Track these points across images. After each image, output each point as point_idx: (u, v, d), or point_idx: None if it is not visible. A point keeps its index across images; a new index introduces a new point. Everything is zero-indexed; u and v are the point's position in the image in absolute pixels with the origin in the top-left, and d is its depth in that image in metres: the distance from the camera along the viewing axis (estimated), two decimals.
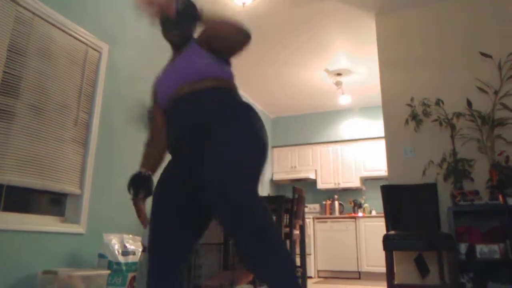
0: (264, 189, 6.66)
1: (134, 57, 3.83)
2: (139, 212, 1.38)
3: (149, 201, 1.42)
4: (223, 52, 1.46)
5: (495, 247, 2.90)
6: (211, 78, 1.41)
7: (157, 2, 1.36)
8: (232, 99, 1.39)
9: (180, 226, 1.33)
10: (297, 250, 4.48)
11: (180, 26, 1.50)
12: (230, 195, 1.09)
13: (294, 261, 1.13)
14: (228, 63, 1.52)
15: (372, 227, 5.80)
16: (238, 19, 1.44)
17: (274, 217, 4.50)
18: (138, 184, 1.41)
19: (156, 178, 1.45)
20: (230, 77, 1.47)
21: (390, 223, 3.31)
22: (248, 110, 1.35)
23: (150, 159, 1.53)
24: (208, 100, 1.35)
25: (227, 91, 1.41)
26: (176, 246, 1.32)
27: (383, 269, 5.14)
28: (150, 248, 1.33)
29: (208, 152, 1.22)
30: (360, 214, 6.13)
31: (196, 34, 1.58)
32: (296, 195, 3.69)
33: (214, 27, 1.45)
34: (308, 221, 6.12)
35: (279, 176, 6.93)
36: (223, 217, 1.11)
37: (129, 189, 1.41)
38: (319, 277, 6.01)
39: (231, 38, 1.42)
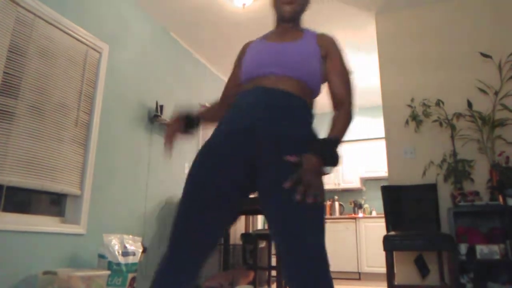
0: None
1: (134, 57, 3.83)
2: (169, 130, 1.32)
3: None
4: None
5: (495, 247, 2.90)
6: (310, 92, 1.32)
7: None
8: (315, 131, 1.28)
9: (213, 216, 1.19)
10: None
11: None
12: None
13: None
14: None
15: (372, 228, 5.80)
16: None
17: None
18: (188, 115, 1.35)
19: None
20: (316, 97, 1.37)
21: (390, 223, 3.30)
22: None
23: (210, 111, 1.46)
24: (304, 122, 1.25)
25: (313, 116, 1.32)
26: (203, 238, 1.18)
27: (383, 270, 5.14)
28: (175, 235, 1.18)
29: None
30: (360, 214, 6.13)
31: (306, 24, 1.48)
32: None
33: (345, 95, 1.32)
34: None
35: None
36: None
37: (177, 111, 1.34)
38: None
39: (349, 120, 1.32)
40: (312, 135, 1.25)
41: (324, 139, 1.19)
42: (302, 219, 1.09)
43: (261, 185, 1.19)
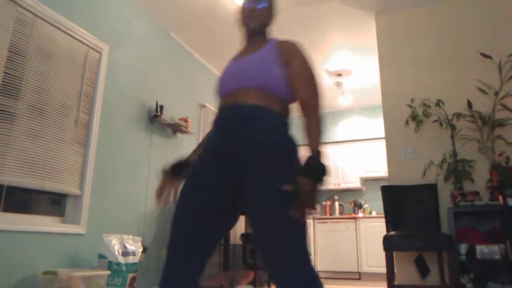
0: None
1: (135, 58, 3.83)
2: (162, 189, 1.35)
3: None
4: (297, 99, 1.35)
5: (495, 247, 2.90)
6: (277, 99, 1.31)
7: None
8: (290, 136, 1.28)
9: (208, 222, 1.25)
10: None
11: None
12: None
13: None
14: None
15: (372, 228, 5.80)
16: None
17: None
18: (179, 167, 1.38)
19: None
20: (292, 102, 1.36)
21: (390, 223, 3.30)
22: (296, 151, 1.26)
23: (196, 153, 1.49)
24: (269, 129, 1.25)
25: (287, 123, 1.31)
26: (200, 243, 1.24)
27: (383, 270, 5.14)
28: (173, 238, 1.25)
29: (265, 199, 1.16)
30: (360, 214, 6.13)
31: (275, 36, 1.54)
32: None
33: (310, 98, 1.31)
34: (308, 221, 6.12)
35: None
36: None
37: (170, 168, 1.38)
38: None
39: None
40: (286, 141, 1.26)
41: (309, 159, 1.17)
42: (283, 221, 1.15)
43: (245, 191, 1.24)
